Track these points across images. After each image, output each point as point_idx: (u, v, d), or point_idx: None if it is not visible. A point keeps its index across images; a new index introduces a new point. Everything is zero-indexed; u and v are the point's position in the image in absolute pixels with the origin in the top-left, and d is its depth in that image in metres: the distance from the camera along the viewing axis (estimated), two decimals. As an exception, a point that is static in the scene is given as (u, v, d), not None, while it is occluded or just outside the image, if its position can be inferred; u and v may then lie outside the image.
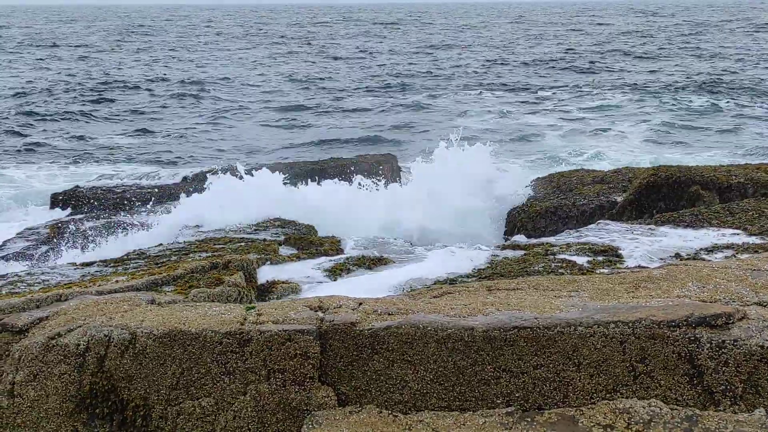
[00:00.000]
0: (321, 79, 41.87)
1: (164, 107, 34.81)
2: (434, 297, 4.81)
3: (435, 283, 7.50)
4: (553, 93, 35.13)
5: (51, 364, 4.27)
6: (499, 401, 4.04)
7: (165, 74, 45.13)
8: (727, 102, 31.18)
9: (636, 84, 36.75)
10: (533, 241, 8.91)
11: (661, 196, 10.23)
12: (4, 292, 7.49)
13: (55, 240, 12.33)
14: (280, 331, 4.21)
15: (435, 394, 4.10)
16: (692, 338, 3.85)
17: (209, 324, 4.31)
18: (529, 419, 3.84)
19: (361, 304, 4.58)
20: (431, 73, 42.83)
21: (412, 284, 7.58)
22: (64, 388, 4.25)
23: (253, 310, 4.52)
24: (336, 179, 14.63)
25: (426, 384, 4.12)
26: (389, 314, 4.36)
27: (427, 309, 4.40)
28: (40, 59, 51.51)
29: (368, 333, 4.20)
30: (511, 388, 4.03)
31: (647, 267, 7.17)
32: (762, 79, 36.73)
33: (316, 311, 4.48)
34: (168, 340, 4.25)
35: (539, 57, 49.27)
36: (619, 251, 7.93)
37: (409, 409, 4.10)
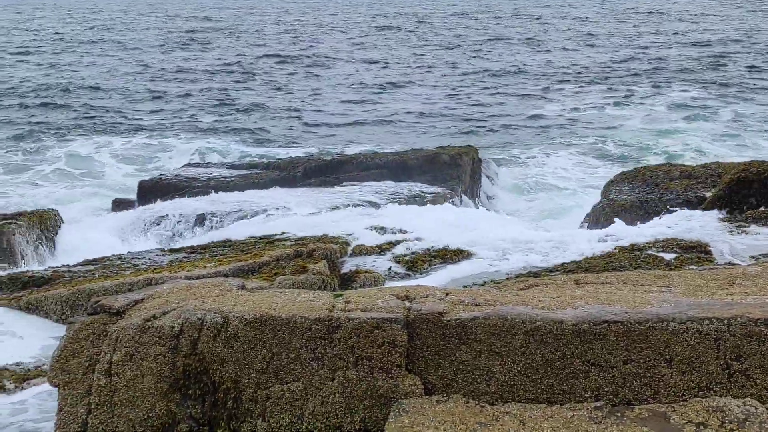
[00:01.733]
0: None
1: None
2: (521, 289, 4.79)
3: (518, 276, 7.47)
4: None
5: (146, 345, 4.40)
6: (587, 395, 4.00)
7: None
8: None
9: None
10: (620, 235, 8.75)
11: (752, 191, 9.93)
12: (97, 275, 7.75)
13: (142, 226, 12.66)
14: (368, 318, 4.25)
15: (522, 386, 4.09)
16: (791, 337, 3.74)
17: (298, 310, 4.38)
18: (618, 414, 3.80)
19: (447, 294, 4.58)
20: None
21: (494, 277, 7.56)
22: (159, 368, 4.37)
23: (341, 298, 4.57)
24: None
25: (513, 376, 4.10)
26: (476, 305, 4.36)
27: (515, 301, 4.38)
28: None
29: (456, 323, 4.21)
30: (600, 383, 3.99)
31: (738, 264, 6.99)
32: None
33: (403, 300, 4.50)
34: (259, 325, 4.33)
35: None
36: (708, 248, 7.75)
37: (495, 400, 4.10)
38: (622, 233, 8.83)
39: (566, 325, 4.05)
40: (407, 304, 4.44)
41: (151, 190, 15.56)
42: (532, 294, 4.55)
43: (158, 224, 12.76)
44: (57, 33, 61.88)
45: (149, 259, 8.46)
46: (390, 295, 4.60)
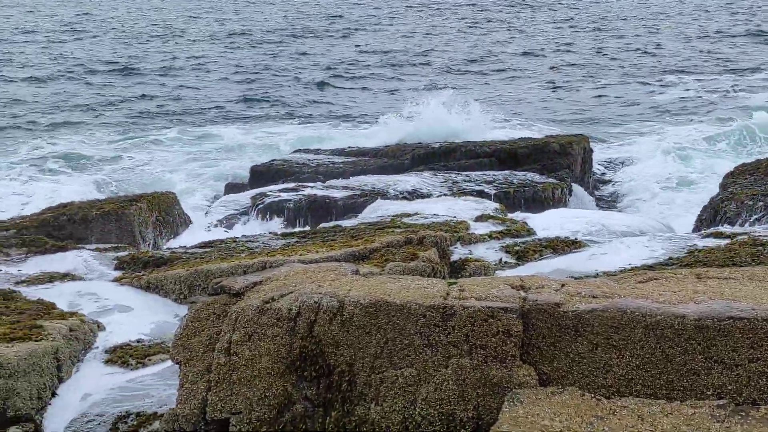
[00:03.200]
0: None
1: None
2: (640, 282, 4.67)
3: (632, 268, 7.30)
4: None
5: (265, 326, 4.51)
6: (709, 393, 3.88)
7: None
8: None
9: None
10: (738, 229, 8.47)
11: None
12: (213, 257, 7.99)
13: (255, 210, 12.96)
14: (483, 307, 4.24)
15: (640, 381, 4.00)
16: None
17: (413, 296, 4.40)
18: (743, 413, 3.67)
19: (563, 285, 4.52)
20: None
21: (607, 269, 7.42)
22: (276, 349, 4.47)
23: (455, 285, 4.57)
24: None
25: (631, 370, 4.02)
26: (593, 297, 4.29)
27: (634, 294, 4.29)
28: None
29: (572, 315, 4.15)
30: (723, 380, 3.86)
31: None
32: None
33: (518, 290, 4.47)
34: (373, 310, 4.37)
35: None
36: (840, 244, 7.40)
37: (612, 393, 4.03)
38: (743, 228, 8.52)
39: (688, 320, 3.94)
40: (522, 293, 4.40)
41: (263, 175, 15.92)
42: (652, 287, 4.44)
43: (269, 208, 13.03)
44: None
45: (263, 243, 8.66)
46: (504, 284, 4.57)
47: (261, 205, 12.94)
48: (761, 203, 10.44)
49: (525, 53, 42.09)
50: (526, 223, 9.58)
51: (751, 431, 3.54)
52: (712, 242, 8.08)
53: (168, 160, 21.52)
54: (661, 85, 31.74)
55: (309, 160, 16.75)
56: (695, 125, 23.52)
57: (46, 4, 76.23)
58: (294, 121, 26.77)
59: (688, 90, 30.27)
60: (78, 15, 66.27)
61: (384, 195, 12.63)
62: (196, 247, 8.99)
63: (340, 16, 64.55)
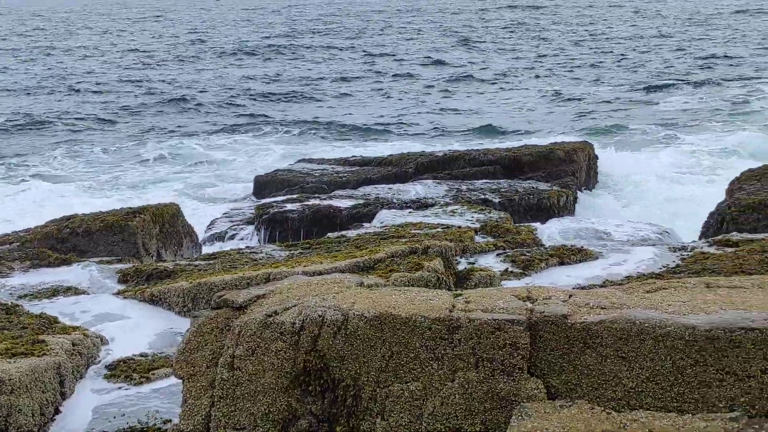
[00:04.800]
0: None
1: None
2: (648, 291, 4.60)
3: (638, 277, 7.23)
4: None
5: (268, 341, 4.45)
6: (721, 405, 3.81)
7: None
8: None
9: None
10: (747, 236, 8.38)
11: None
12: (217, 269, 7.93)
13: (259, 221, 12.90)
14: (489, 319, 4.17)
15: (650, 393, 3.93)
16: None
17: (418, 309, 4.34)
18: (756, 426, 3.60)
19: (571, 296, 4.46)
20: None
21: (614, 278, 7.34)
22: (280, 364, 4.42)
23: (460, 297, 4.51)
24: None
25: (641, 382, 3.95)
26: (602, 308, 4.22)
27: (643, 304, 4.22)
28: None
29: (580, 326, 4.08)
30: (735, 392, 3.79)
31: None
32: None
33: (525, 301, 4.40)
34: (378, 323, 4.31)
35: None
36: None
37: (622, 406, 3.96)
38: (751, 234, 8.44)
39: (699, 331, 3.87)
40: (529, 305, 4.34)
41: (267, 185, 15.88)
42: (661, 297, 4.37)
43: (271, 219, 12.97)
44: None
45: (267, 254, 8.60)
46: (511, 295, 4.51)
47: (265, 216, 12.88)
48: (768, 209, 10.35)
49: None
50: (531, 232, 9.51)
51: (765, 445, 3.46)
52: (719, 249, 8.00)
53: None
54: (667, 93, 31.71)
55: (312, 169, 16.71)
56: (704, 132, 23.44)
57: None
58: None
59: (692, 97, 30.21)
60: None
61: (388, 204, 12.57)
62: (199, 258, 8.94)
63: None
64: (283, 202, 13.68)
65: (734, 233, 8.78)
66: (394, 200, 13.02)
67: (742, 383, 3.78)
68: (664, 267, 7.65)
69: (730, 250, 7.87)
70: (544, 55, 44.90)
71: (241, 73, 42.57)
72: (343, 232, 9.76)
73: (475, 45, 50.92)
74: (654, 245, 8.87)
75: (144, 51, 53.84)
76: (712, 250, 8.06)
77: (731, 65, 37.82)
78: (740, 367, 3.79)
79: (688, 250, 8.17)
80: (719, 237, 8.67)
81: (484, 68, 41.35)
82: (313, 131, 27.66)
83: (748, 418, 3.71)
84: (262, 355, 4.46)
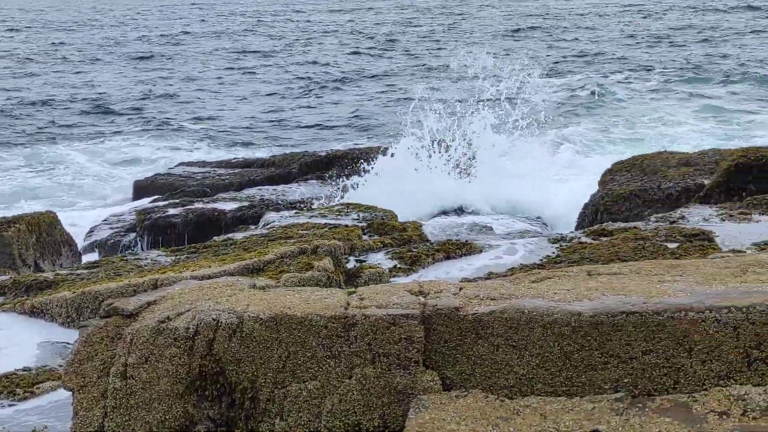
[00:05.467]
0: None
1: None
2: (534, 281, 4.78)
3: (521, 267, 7.47)
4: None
5: (162, 347, 4.38)
6: (606, 387, 4.00)
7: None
8: None
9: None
10: (620, 225, 8.77)
11: (751, 178, 9.97)
12: (101, 276, 7.72)
13: (141, 227, 12.61)
14: (384, 315, 4.24)
15: (541, 379, 4.09)
16: (811, 324, 3.75)
17: (314, 308, 4.37)
18: (640, 405, 3.80)
19: (461, 288, 4.58)
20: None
21: (499, 270, 7.56)
22: (175, 370, 4.35)
23: (354, 294, 4.56)
24: None
25: (532, 369, 4.10)
26: (492, 299, 4.35)
27: (530, 294, 4.38)
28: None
29: (472, 317, 4.20)
30: (619, 374, 3.99)
31: (743, 252, 7.00)
32: None
33: (417, 296, 4.50)
34: (274, 324, 4.31)
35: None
36: (712, 235, 7.76)
37: (515, 393, 4.10)
38: (623, 223, 8.84)
39: (584, 317, 4.05)
40: (422, 299, 4.43)
41: (147, 190, 15.53)
42: (546, 286, 4.55)
43: (155, 223, 12.70)
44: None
45: (152, 260, 8.43)
46: (403, 290, 4.59)
47: (147, 222, 12.60)
48: (638, 198, 10.87)
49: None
50: (417, 228, 9.66)
51: (648, 422, 3.66)
52: (596, 239, 8.34)
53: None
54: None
55: (193, 173, 16.45)
56: (572, 125, 24.29)
57: None
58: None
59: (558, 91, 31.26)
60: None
61: (274, 206, 12.52)
62: (81, 267, 8.67)
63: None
64: (165, 206, 13.41)
65: (608, 222, 9.19)
66: (280, 201, 12.98)
67: (626, 365, 3.98)
68: (545, 257, 7.92)
69: (605, 239, 8.23)
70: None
71: (103, 78, 41.33)
72: (230, 235, 9.66)
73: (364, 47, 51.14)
74: (534, 236, 9.18)
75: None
76: (588, 239, 8.40)
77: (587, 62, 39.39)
78: (623, 350, 3.99)
79: (567, 240, 8.48)
80: (595, 227, 9.04)
81: (369, 69, 41.67)
82: (179, 132, 27.19)
83: (631, 398, 3.91)
84: (156, 362, 4.39)
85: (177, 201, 13.72)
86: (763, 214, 8.46)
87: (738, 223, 8.24)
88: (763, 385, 3.75)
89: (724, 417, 3.59)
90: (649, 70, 35.24)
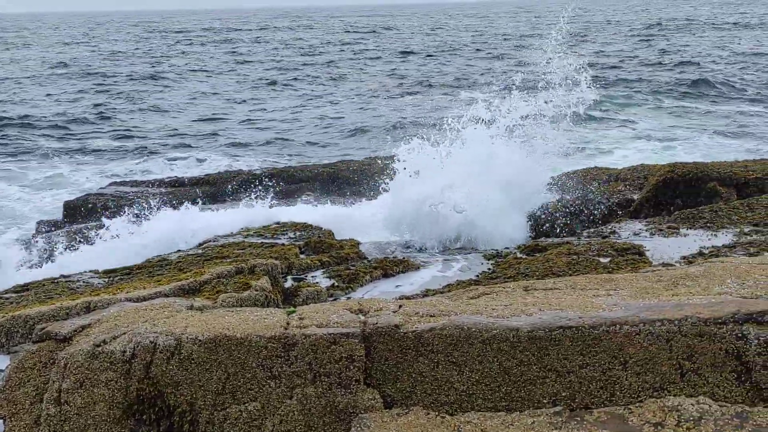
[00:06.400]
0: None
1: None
2: (472, 298, 4.83)
3: (458, 283, 7.53)
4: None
5: (97, 372, 4.29)
6: (545, 401, 4.06)
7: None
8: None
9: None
10: (554, 240, 8.93)
11: (678, 193, 10.25)
12: (31, 299, 7.53)
13: (71, 248, 12.32)
14: (325, 334, 4.24)
15: (481, 395, 4.13)
16: (739, 335, 3.87)
17: (253, 329, 4.34)
18: (578, 419, 3.86)
19: (401, 306, 4.60)
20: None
21: (436, 286, 7.61)
22: (111, 395, 4.27)
23: (294, 314, 4.55)
24: None
25: (472, 385, 4.14)
26: (431, 316, 4.38)
27: (469, 310, 4.42)
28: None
29: (412, 335, 4.22)
30: (557, 388, 4.05)
31: (672, 265, 7.19)
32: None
33: (357, 314, 4.50)
34: (213, 346, 4.27)
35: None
36: (642, 249, 7.94)
37: (455, 410, 4.13)
38: (557, 239, 8.99)
39: (522, 333, 4.11)
40: (362, 317, 4.44)
41: (78, 211, 15.19)
42: (485, 302, 4.60)
43: (86, 244, 12.44)
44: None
45: (84, 282, 8.25)
46: (343, 309, 4.59)
47: (76, 242, 12.31)
48: (571, 214, 11.05)
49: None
50: (354, 246, 9.66)
51: (587, 434, 3.72)
52: (530, 255, 8.47)
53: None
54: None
55: (126, 192, 16.15)
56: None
57: None
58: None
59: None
60: None
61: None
62: (10, 291, 8.42)
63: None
64: (95, 226, 13.13)
65: (542, 238, 9.33)
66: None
67: (563, 379, 4.04)
68: (481, 273, 8.00)
69: (540, 254, 8.36)
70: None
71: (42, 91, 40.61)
72: (164, 255, 9.51)
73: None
74: (470, 253, 9.26)
75: None
76: (523, 255, 8.53)
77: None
78: (560, 364, 4.05)
79: (502, 256, 8.59)
80: (529, 243, 9.18)
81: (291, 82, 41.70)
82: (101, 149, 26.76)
83: (570, 411, 3.97)
84: (92, 386, 4.30)
85: (107, 221, 13.43)
86: (690, 228, 8.68)
87: (667, 237, 8.45)
88: (695, 396, 3.85)
89: (659, 428, 3.67)
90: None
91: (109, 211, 14.58)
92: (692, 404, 3.76)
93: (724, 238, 7.98)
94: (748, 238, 7.82)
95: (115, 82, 44.80)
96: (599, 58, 45.37)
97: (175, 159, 24.92)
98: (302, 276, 8.45)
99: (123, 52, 62.69)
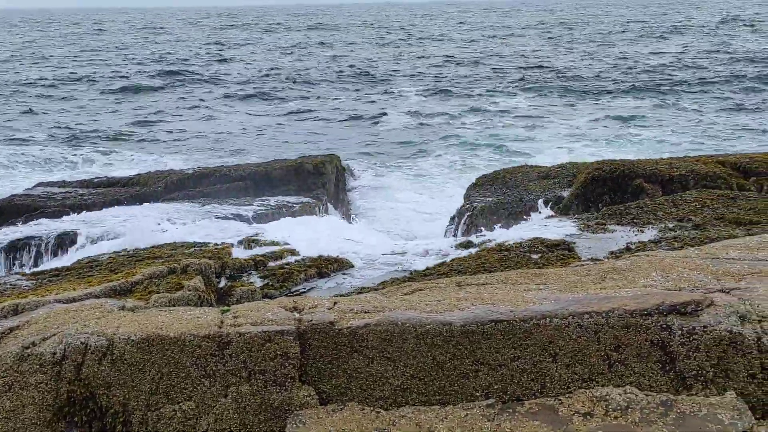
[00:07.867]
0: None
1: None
2: (406, 294, 4.88)
3: (392, 281, 7.58)
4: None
5: (26, 374, 4.22)
6: (478, 394, 4.13)
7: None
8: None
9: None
10: (486, 237, 9.05)
11: (606, 189, 10.49)
12: (-45, 303, 7.32)
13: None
14: (259, 332, 4.23)
15: (415, 389, 4.18)
16: (664, 326, 4.00)
17: (187, 328, 4.31)
18: (510, 410, 3.94)
19: (335, 303, 4.62)
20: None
21: (370, 284, 7.65)
22: (41, 397, 4.20)
23: (228, 313, 4.53)
24: None
25: (406, 380, 4.18)
26: (365, 312, 4.42)
27: (403, 306, 4.47)
28: None
29: (347, 332, 4.25)
30: (489, 381, 4.12)
31: (600, 260, 7.36)
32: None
33: (292, 312, 4.51)
34: (146, 345, 4.23)
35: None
36: (572, 245, 8.11)
37: (390, 405, 4.17)
38: (489, 235, 9.12)
39: (455, 327, 4.17)
40: (296, 315, 4.45)
41: (3, 211, 14.82)
42: (418, 298, 4.65)
43: (11, 247, 12.15)
44: None
45: (10, 284, 8.07)
46: (278, 307, 4.59)
47: (3, 245, 12.02)
48: (502, 210, 11.23)
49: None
50: (288, 244, 9.64)
51: (518, 426, 3.80)
52: (463, 251, 8.57)
53: None
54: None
55: (54, 193, 15.81)
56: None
57: None
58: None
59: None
60: None
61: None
62: (-68, 294, 8.18)
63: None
64: (23, 228, 12.84)
65: (473, 235, 9.45)
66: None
67: (495, 372, 4.12)
68: (415, 270, 8.07)
69: (472, 250, 8.47)
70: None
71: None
72: (94, 256, 9.36)
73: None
74: (405, 251, 9.33)
75: None
76: (456, 252, 8.62)
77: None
78: (493, 358, 4.13)
79: (435, 252, 8.67)
80: (461, 240, 9.29)
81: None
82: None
83: (502, 403, 4.05)
84: (21, 389, 4.22)
85: (36, 222, 13.16)
86: (618, 223, 8.90)
87: (595, 233, 8.63)
88: (623, 385, 3.97)
89: (588, 417, 3.77)
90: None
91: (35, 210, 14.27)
92: (619, 394, 3.87)
93: (649, 233, 8.20)
94: (673, 233, 8.05)
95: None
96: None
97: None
98: (236, 275, 8.41)
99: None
